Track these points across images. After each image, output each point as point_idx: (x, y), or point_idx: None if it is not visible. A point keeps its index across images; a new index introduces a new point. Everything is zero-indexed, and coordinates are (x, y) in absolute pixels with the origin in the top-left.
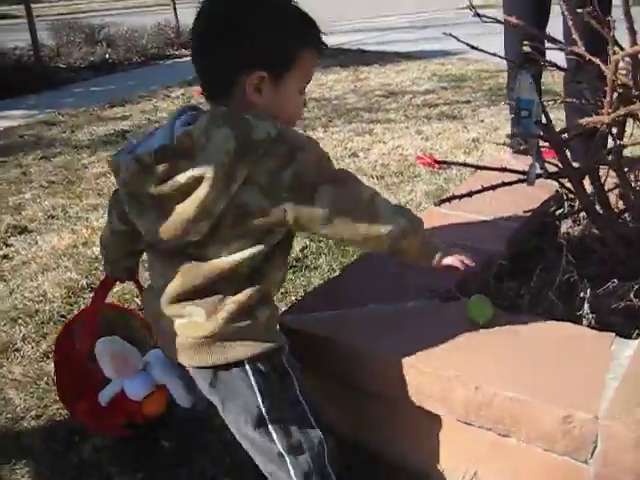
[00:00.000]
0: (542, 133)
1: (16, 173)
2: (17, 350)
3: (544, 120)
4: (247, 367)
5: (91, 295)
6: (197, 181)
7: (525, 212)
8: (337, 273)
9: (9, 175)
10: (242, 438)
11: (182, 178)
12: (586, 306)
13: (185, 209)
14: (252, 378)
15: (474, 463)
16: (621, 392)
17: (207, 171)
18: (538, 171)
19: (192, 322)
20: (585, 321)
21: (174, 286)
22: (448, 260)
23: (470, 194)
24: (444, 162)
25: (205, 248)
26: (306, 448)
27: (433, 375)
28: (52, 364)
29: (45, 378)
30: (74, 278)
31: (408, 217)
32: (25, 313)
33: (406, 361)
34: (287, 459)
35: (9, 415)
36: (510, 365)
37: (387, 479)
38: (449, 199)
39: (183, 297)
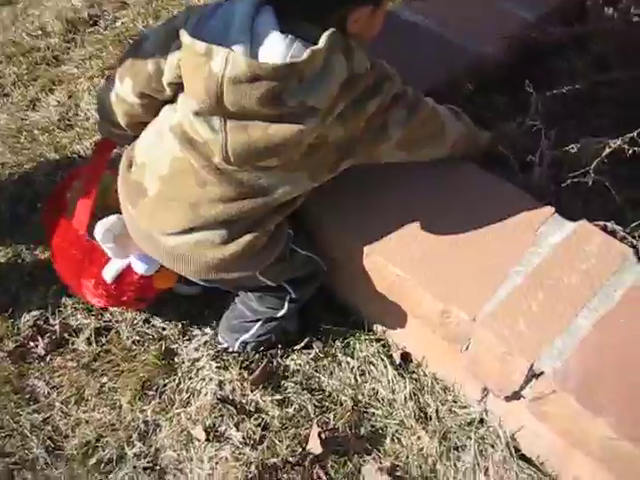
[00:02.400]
0: None
1: None
2: (6, 95)
3: None
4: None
5: (88, 31)
6: (307, 109)
7: None
8: None
9: None
10: None
11: (292, 101)
12: (536, 170)
13: (279, 132)
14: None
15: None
16: (515, 296)
17: (320, 102)
18: None
19: (209, 242)
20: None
21: (211, 210)
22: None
23: None
24: None
25: (265, 174)
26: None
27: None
28: (36, 113)
29: (25, 132)
30: (77, 7)
31: (466, 123)
32: (20, 50)
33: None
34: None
35: None
36: (421, 232)
37: None
38: None
39: (214, 221)
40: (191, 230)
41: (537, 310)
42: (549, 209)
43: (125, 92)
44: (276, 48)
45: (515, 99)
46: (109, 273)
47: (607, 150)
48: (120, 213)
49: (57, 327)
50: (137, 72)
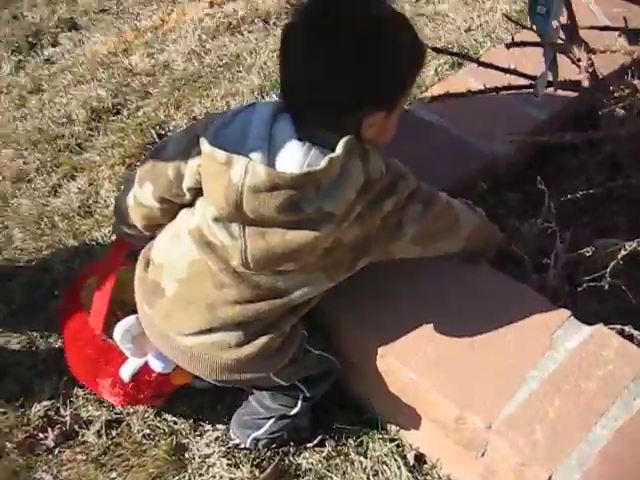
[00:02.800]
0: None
1: None
2: (29, 181)
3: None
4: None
5: (111, 119)
6: (324, 215)
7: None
8: None
9: None
10: None
11: (309, 209)
12: (551, 272)
13: (296, 238)
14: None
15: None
16: (531, 402)
17: (337, 208)
18: (549, 79)
19: (225, 343)
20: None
21: (228, 311)
22: None
23: (469, 93)
24: None
25: (282, 277)
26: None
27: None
28: (57, 199)
29: (45, 219)
30: (102, 97)
31: (481, 217)
32: (46, 137)
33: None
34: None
35: (6, 255)
36: (435, 334)
37: None
38: (441, 97)
39: (230, 323)
40: (208, 331)
41: (554, 417)
42: (565, 312)
43: (144, 196)
44: (294, 156)
45: (527, 196)
46: (126, 372)
47: (623, 252)
48: (136, 310)
49: (68, 418)
50: (157, 176)
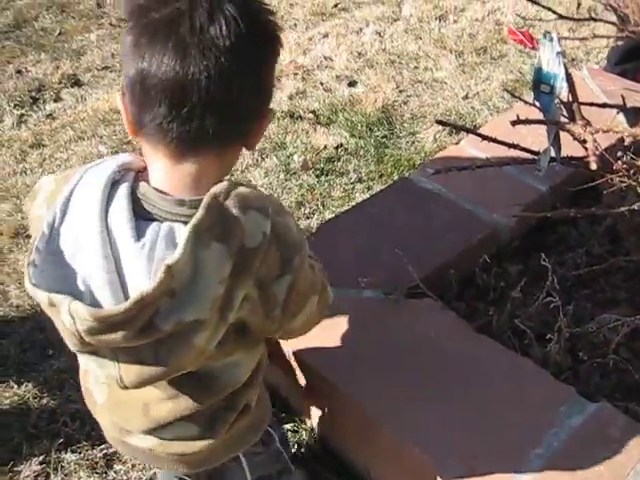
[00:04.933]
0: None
1: (91, 5)
2: (27, 237)
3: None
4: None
5: None
6: (190, 325)
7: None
8: (364, 184)
9: (84, 7)
10: None
11: (167, 325)
12: (554, 346)
13: (170, 356)
14: (244, 461)
15: None
16: None
17: (202, 312)
18: (552, 155)
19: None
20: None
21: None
22: None
23: (472, 167)
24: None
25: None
26: None
27: None
28: None
29: None
30: (103, 153)
31: None
32: None
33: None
34: None
35: (1, 311)
36: (435, 404)
37: None
38: (444, 170)
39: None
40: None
41: None
42: (569, 388)
43: None
44: (137, 265)
45: (528, 267)
46: None
47: (625, 329)
48: None
49: None
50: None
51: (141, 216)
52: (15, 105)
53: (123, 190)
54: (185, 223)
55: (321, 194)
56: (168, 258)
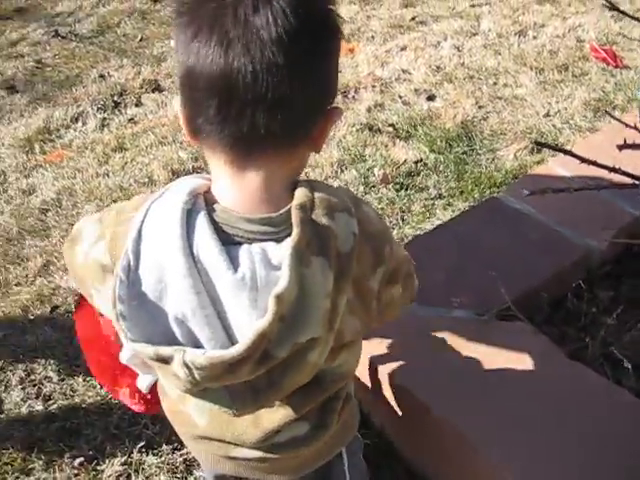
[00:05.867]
0: None
1: (171, 12)
2: None
3: None
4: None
5: None
6: (305, 345)
7: None
8: (444, 201)
9: (165, 13)
10: None
11: (283, 352)
12: None
13: (293, 374)
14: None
15: None
16: None
17: (316, 330)
18: None
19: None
20: None
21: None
22: None
23: (569, 190)
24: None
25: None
26: None
27: None
28: None
29: None
30: (183, 159)
31: None
32: (126, 195)
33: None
34: None
35: None
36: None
37: None
38: (539, 192)
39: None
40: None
41: None
42: None
43: None
44: (240, 304)
45: (619, 294)
46: (143, 384)
47: None
48: None
49: None
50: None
51: (225, 241)
52: (98, 109)
53: (202, 220)
54: (276, 240)
55: (401, 208)
56: (276, 287)
